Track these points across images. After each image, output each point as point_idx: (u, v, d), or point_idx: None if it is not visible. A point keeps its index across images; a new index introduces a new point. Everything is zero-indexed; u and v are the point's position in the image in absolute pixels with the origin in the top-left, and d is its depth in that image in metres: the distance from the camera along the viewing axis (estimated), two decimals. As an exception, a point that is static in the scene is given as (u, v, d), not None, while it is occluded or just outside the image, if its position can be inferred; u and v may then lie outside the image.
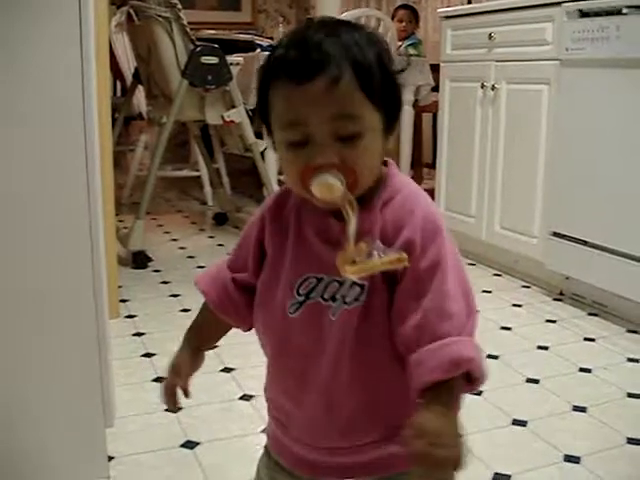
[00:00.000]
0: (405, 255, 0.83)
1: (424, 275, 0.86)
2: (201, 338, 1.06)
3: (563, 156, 2.53)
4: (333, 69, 0.82)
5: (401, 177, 0.93)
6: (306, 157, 0.83)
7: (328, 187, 0.81)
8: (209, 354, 2.07)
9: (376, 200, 0.89)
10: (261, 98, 0.89)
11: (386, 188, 0.90)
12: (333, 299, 0.89)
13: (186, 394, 1.03)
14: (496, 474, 1.48)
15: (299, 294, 0.91)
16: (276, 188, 3.63)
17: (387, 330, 0.88)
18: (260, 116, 0.91)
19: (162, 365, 1.99)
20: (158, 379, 1.91)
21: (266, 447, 1.04)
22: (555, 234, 2.58)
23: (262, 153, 3.37)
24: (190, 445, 1.58)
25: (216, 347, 2.10)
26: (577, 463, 1.53)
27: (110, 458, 1.51)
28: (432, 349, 0.84)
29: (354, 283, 0.87)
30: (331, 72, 0.82)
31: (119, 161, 4.79)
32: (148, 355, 2.07)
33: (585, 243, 2.44)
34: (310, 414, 0.95)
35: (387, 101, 0.86)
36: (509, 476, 1.47)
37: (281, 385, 0.98)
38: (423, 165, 4.74)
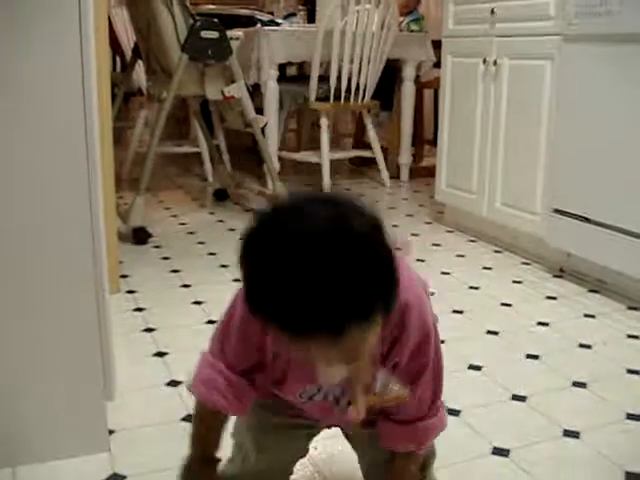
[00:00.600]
0: (405, 393, 0.95)
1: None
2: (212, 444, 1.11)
3: (565, 132, 2.52)
4: (335, 324, 0.75)
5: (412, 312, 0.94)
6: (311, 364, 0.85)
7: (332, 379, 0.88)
8: (209, 328, 2.08)
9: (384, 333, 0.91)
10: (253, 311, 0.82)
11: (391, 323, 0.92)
12: (337, 402, 1.03)
13: None
14: (495, 448, 1.49)
15: (302, 397, 1.03)
16: (277, 165, 3.63)
17: None
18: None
19: (163, 340, 2.00)
20: (159, 354, 1.92)
21: None
22: (556, 211, 2.57)
23: (262, 129, 3.36)
24: (191, 419, 1.58)
25: (216, 322, 2.10)
26: (576, 438, 1.54)
27: (111, 432, 1.51)
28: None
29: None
30: (333, 328, 0.75)
31: (119, 137, 4.78)
32: (149, 330, 2.08)
33: (587, 220, 2.44)
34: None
35: (389, 300, 0.81)
36: (508, 450, 1.48)
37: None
38: (424, 142, 4.72)
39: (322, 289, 0.73)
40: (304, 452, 1.20)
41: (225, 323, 1.01)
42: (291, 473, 1.22)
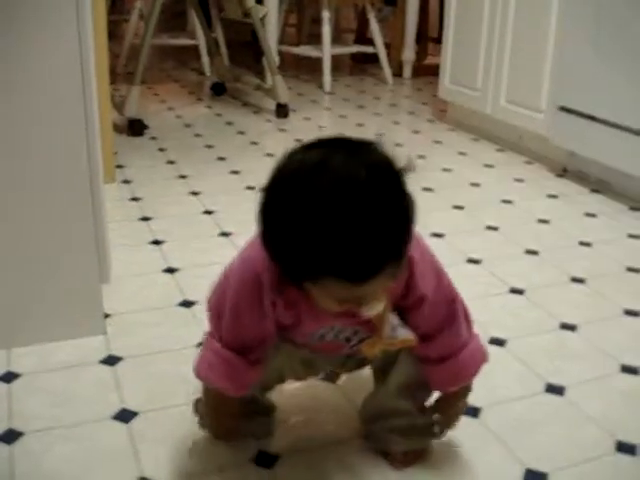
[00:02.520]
0: (413, 339, 1.00)
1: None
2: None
3: (574, 28, 2.42)
4: (384, 272, 0.81)
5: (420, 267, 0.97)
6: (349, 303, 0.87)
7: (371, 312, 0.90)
8: (205, 218, 2.06)
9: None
10: (292, 274, 0.87)
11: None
12: (347, 340, 1.04)
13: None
14: (492, 338, 1.49)
15: (313, 338, 1.03)
16: (276, 58, 3.53)
17: None
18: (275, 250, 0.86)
19: (159, 229, 1.98)
20: (155, 242, 1.90)
21: None
22: (562, 108, 2.51)
23: (262, 19, 3.24)
24: (187, 304, 1.58)
25: (212, 212, 2.08)
26: (573, 331, 1.54)
27: (107, 315, 1.51)
28: None
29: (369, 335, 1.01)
30: (383, 275, 0.82)
31: (115, 30, 4.65)
32: (145, 219, 2.05)
33: (592, 118, 2.38)
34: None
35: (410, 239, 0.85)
36: (504, 340, 1.48)
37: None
38: (429, 39, 4.59)
39: (369, 234, 0.78)
40: (303, 377, 1.18)
41: (219, 302, 1.03)
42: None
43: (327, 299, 0.87)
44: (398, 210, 0.81)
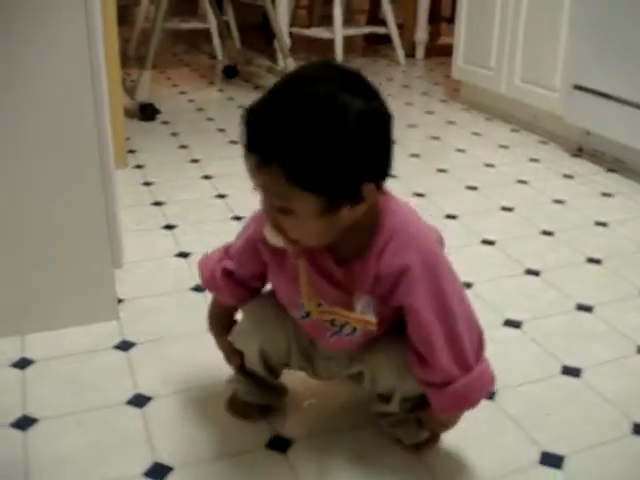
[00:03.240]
0: (374, 321, 0.95)
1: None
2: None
3: (588, 4, 2.38)
4: (263, 152, 0.84)
5: (395, 215, 0.94)
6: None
7: (273, 237, 0.92)
8: (218, 202, 2.05)
9: (370, 249, 0.93)
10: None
11: (380, 234, 0.93)
12: (332, 323, 1.02)
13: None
14: (507, 320, 1.47)
15: (302, 310, 1.02)
16: (287, 40, 3.50)
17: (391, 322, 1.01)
18: None
19: (171, 213, 1.97)
20: (168, 226, 1.89)
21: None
22: (577, 87, 2.47)
23: (273, 1, 3.22)
24: (200, 289, 1.57)
25: (225, 196, 2.07)
26: (589, 312, 1.52)
27: (120, 301, 1.51)
28: None
29: (346, 322, 1.00)
30: (260, 154, 0.84)
31: (125, 15, 4.62)
32: (158, 204, 2.05)
33: (607, 96, 2.35)
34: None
35: (331, 185, 0.84)
36: (520, 322, 1.47)
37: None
38: (442, 19, 4.54)
39: (272, 118, 0.83)
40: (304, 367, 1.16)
41: (240, 234, 1.10)
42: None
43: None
44: (326, 107, 0.82)
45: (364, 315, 0.95)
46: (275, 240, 0.92)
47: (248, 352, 1.13)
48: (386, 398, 1.08)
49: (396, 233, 0.93)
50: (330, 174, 0.83)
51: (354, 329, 1.01)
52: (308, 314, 1.01)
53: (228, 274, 1.10)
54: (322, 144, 0.81)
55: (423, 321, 0.94)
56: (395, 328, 1.01)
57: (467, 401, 1.00)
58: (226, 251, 1.12)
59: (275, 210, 0.88)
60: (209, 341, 1.21)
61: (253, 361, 1.13)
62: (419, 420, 1.09)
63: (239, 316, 1.16)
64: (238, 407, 1.18)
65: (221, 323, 1.19)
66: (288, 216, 0.87)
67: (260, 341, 1.10)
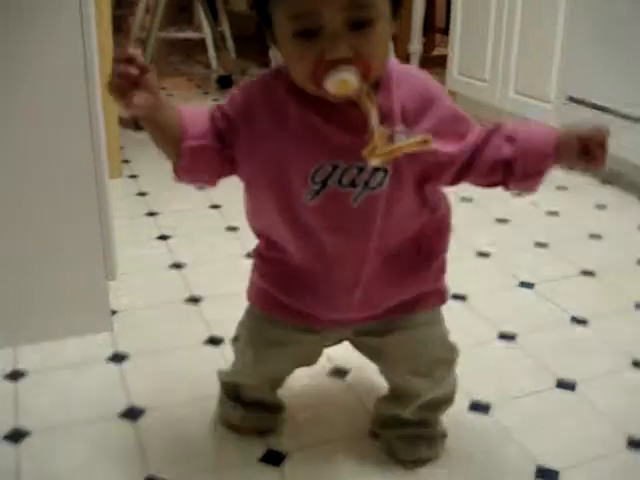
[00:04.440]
0: (430, 136, 0.83)
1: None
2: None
3: (583, 16, 2.39)
4: None
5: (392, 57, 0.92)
6: (318, 50, 0.80)
7: (344, 83, 0.80)
8: (212, 213, 2.05)
9: (389, 82, 0.89)
10: None
11: (392, 69, 0.90)
12: (352, 185, 0.89)
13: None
14: (501, 333, 1.47)
15: (314, 182, 0.89)
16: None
17: (414, 205, 0.94)
18: (257, 7, 0.86)
19: (165, 224, 1.97)
20: (162, 237, 1.89)
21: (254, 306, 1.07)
22: (571, 99, 2.48)
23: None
24: (194, 300, 1.57)
25: (219, 207, 2.07)
26: (584, 325, 1.52)
27: (113, 312, 1.50)
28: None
29: (376, 169, 0.88)
30: None
31: (121, 25, 4.62)
32: (152, 214, 2.04)
33: (602, 109, 2.35)
34: (339, 288, 0.97)
35: None
36: (515, 335, 1.46)
37: (299, 256, 0.97)
38: (436, 30, 4.56)
39: None
40: (309, 362, 1.12)
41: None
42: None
43: (287, 37, 0.81)
44: None
45: (418, 137, 0.85)
46: (346, 86, 0.80)
47: (251, 384, 1.12)
48: (401, 399, 1.07)
49: (402, 70, 0.92)
50: None
51: (383, 178, 0.89)
52: (325, 183, 0.89)
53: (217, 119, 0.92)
54: None
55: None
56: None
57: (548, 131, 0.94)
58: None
59: (352, 33, 0.80)
60: (203, 353, 1.20)
61: (255, 389, 1.12)
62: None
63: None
64: (232, 425, 1.17)
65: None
66: (365, 31, 0.80)
67: (265, 374, 1.09)
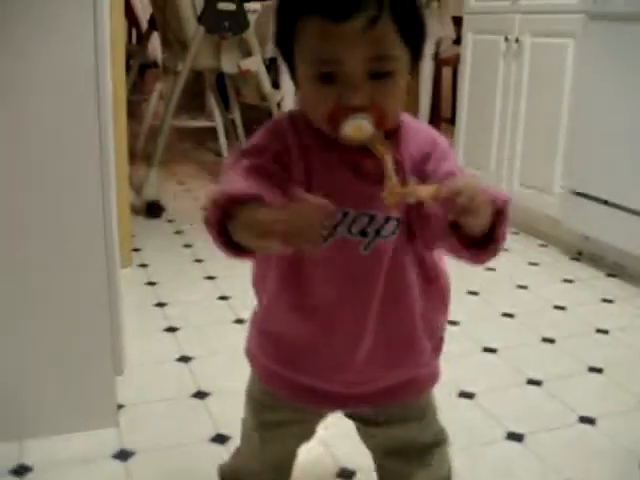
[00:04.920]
0: (441, 187, 0.81)
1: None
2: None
3: (586, 113, 2.46)
4: (372, 8, 0.80)
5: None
6: (337, 96, 0.83)
7: (359, 129, 0.83)
8: (220, 304, 2.05)
9: (401, 133, 0.91)
10: (283, 28, 0.87)
11: (404, 121, 0.93)
12: (362, 233, 0.90)
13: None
14: (509, 433, 1.46)
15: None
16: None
17: (416, 252, 0.94)
18: (279, 46, 0.89)
19: (174, 315, 1.98)
20: (170, 329, 1.90)
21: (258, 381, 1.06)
22: (575, 193, 2.52)
23: (279, 103, 3.31)
24: (200, 395, 1.57)
25: (228, 298, 2.09)
26: (592, 424, 1.51)
27: (119, 406, 1.50)
28: None
29: (388, 218, 0.89)
30: (369, 12, 0.80)
31: (134, 110, 4.75)
32: (160, 305, 2.06)
33: (605, 202, 2.39)
34: (340, 348, 0.94)
35: (416, 37, 0.86)
36: (522, 435, 1.45)
37: (299, 318, 0.94)
38: (442, 120, 4.67)
39: None
40: (310, 437, 1.12)
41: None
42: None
43: (308, 80, 0.84)
44: None
45: (429, 187, 0.83)
46: (361, 132, 0.83)
47: (254, 471, 1.11)
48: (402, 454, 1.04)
49: (408, 122, 0.94)
50: (423, 24, 0.87)
51: (396, 227, 0.90)
52: (325, 239, 0.87)
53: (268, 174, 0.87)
54: None
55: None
56: None
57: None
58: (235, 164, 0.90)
59: (371, 82, 0.82)
60: (209, 451, 1.20)
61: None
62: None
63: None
64: None
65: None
66: (384, 81, 0.83)
67: (269, 458, 1.09)
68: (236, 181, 0.84)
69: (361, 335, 0.94)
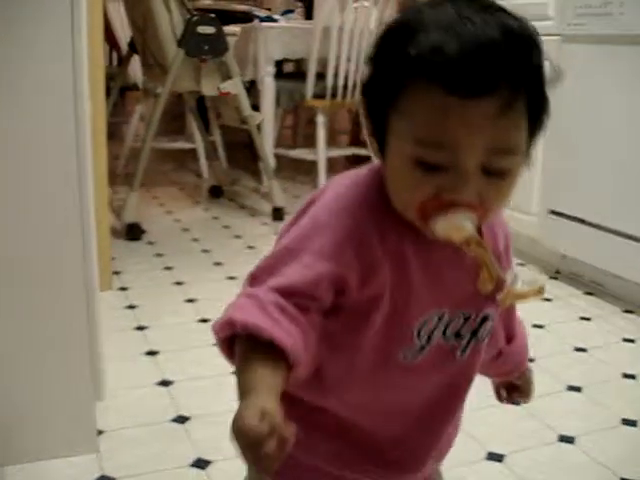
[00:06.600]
0: (544, 285, 0.76)
1: None
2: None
3: (562, 134, 2.49)
4: (507, 87, 0.64)
5: None
6: (439, 186, 0.67)
7: (458, 229, 0.68)
8: (201, 327, 2.05)
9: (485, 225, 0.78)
10: (382, 87, 0.69)
11: None
12: (457, 336, 0.79)
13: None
14: (490, 453, 1.47)
15: (419, 337, 0.76)
16: (272, 161, 3.59)
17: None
18: (370, 105, 0.72)
19: (154, 339, 1.97)
20: (150, 352, 1.89)
21: None
22: (552, 212, 2.55)
23: (258, 126, 3.33)
24: (181, 420, 1.56)
25: (208, 321, 2.09)
26: (571, 443, 1.52)
27: (100, 432, 1.49)
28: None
29: (485, 318, 0.80)
30: (505, 91, 0.64)
31: (114, 132, 4.75)
32: (140, 328, 2.05)
33: (583, 222, 2.42)
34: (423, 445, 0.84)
35: (541, 123, 0.71)
36: (503, 455, 1.46)
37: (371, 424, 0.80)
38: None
39: (502, 44, 0.64)
40: None
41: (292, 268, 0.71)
42: None
43: (407, 160, 0.67)
44: (529, 30, 0.68)
45: (534, 284, 0.77)
46: (458, 232, 0.69)
47: None
48: None
49: None
50: (548, 107, 0.70)
51: (492, 326, 0.82)
52: (429, 338, 0.77)
53: (302, 309, 0.69)
54: (543, 74, 0.69)
55: None
56: None
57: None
58: (277, 290, 0.69)
59: (485, 178, 0.67)
60: (189, 478, 1.20)
61: None
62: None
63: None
64: None
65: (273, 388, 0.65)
66: (502, 181, 0.69)
67: None
68: (262, 307, 0.67)
69: (442, 432, 0.85)
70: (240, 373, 0.67)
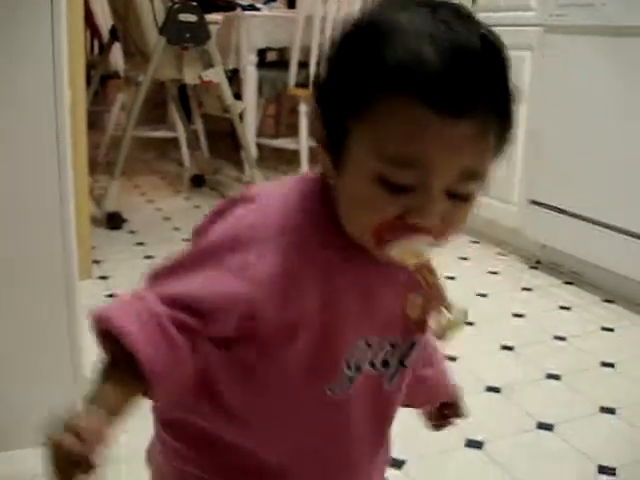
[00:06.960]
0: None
1: None
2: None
3: (544, 124, 2.51)
4: (489, 111, 0.60)
5: None
6: (404, 208, 0.62)
7: (415, 255, 0.64)
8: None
9: None
10: (347, 92, 0.62)
11: None
12: (385, 364, 0.75)
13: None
14: (469, 440, 1.48)
15: (349, 367, 0.71)
16: (254, 151, 3.58)
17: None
18: (325, 116, 0.65)
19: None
20: (131, 341, 1.89)
21: None
22: (533, 202, 2.57)
23: (240, 115, 3.32)
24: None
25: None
26: (550, 430, 1.54)
27: (80, 420, 1.48)
28: None
29: (413, 344, 0.76)
30: (486, 115, 0.60)
31: (96, 121, 4.71)
32: (121, 317, 2.04)
33: (563, 212, 2.44)
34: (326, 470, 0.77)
35: (505, 146, 0.66)
36: (481, 442, 1.48)
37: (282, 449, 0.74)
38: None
39: (484, 60, 0.60)
40: None
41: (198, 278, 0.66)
42: None
43: (368, 177, 0.61)
44: (502, 56, 0.63)
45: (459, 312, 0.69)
46: (414, 257, 0.64)
47: None
48: None
49: None
50: (513, 129, 0.66)
51: (419, 352, 0.78)
52: (351, 379, 0.72)
53: (186, 330, 0.63)
54: (513, 97, 0.64)
55: None
56: None
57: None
58: (172, 300, 0.65)
59: (449, 202, 0.62)
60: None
61: None
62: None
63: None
64: None
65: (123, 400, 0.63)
66: (464, 205, 0.64)
67: None
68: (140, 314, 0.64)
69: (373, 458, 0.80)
70: (98, 374, 0.64)
